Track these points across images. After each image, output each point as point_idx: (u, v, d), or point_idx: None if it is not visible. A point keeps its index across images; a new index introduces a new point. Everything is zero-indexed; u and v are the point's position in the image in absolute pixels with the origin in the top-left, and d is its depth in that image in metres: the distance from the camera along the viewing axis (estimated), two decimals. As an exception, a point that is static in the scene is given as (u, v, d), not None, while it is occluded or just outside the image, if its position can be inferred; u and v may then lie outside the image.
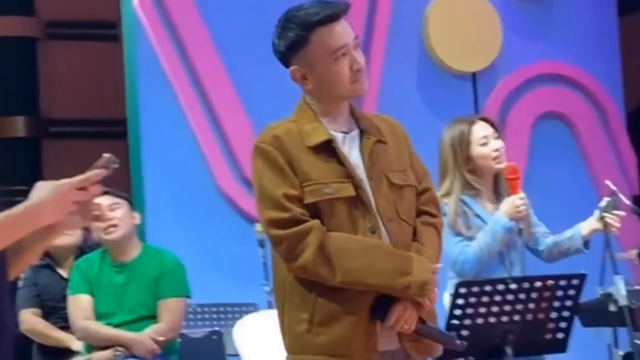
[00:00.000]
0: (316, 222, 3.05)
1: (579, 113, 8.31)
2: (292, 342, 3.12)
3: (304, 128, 3.13)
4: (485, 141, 4.33)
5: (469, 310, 3.79)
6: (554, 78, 8.26)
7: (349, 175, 3.09)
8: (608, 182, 4.55)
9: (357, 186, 3.09)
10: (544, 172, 7.96)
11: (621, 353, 4.41)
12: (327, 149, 3.11)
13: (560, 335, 3.91)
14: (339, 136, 3.15)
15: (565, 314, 3.87)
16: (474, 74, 8.06)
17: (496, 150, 4.33)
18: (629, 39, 8.64)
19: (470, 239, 4.24)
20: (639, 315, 4.52)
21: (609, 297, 4.35)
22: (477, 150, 4.34)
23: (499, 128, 4.43)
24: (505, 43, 8.08)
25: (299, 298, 3.09)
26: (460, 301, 3.77)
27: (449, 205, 4.26)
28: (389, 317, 3.04)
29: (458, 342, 3.17)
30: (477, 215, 4.29)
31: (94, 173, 2.42)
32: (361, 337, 3.05)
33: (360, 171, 3.12)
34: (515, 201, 4.22)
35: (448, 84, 7.98)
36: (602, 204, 4.37)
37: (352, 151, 3.15)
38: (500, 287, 3.80)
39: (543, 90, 8.21)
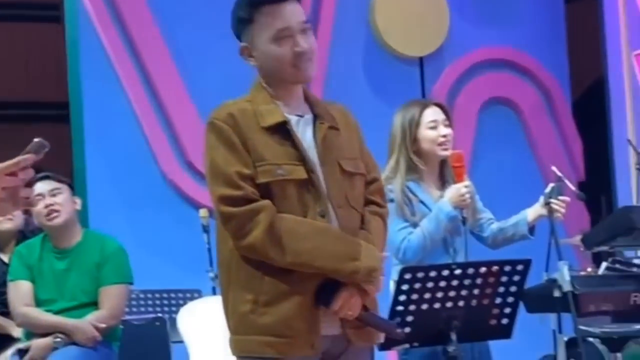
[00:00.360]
0: (267, 202, 3.04)
1: (525, 99, 8.33)
2: (236, 323, 3.11)
3: (259, 109, 3.12)
4: (434, 125, 4.32)
5: (414, 296, 3.78)
6: (501, 63, 8.27)
7: (302, 159, 3.09)
8: (554, 168, 4.55)
9: (309, 170, 3.08)
10: (491, 157, 7.98)
11: (565, 339, 4.42)
12: (282, 131, 3.10)
13: (504, 321, 3.91)
14: (293, 119, 3.15)
15: (510, 299, 3.88)
16: (421, 59, 8.05)
17: (443, 136, 4.31)
18: (575, 25, 8.66)
19: (414, 225, 4.22)
20: (583, 301, 4.53)
21: (553, 283, 4.35)
22: (424, 132, 4.33)
23: (451, 116, 4.41)
24: (452, 28, 8.07)
25: (244, 278, 3.07)
26: (404, 287, 3.76)
27: (394, 191, 4.24)
28: (334, 302, 3.03)
29: (399, 330, 3.16)
30: (422, 202, 4.28)
31: (23, 158, 2.35)
32: (305, 320, 3.04)
33: (313, 155, 3.12)
34: (460, 189, 4.21)
35: (395, 68, 7.96)
36: (548, 189, 4.37)
37: (305, 135, 3.14)
38: (445, 272, 3.79)
39: (490, 75, 8.22)
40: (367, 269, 3.05)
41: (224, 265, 3.14)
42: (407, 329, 3.78)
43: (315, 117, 3.17)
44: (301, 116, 3.17)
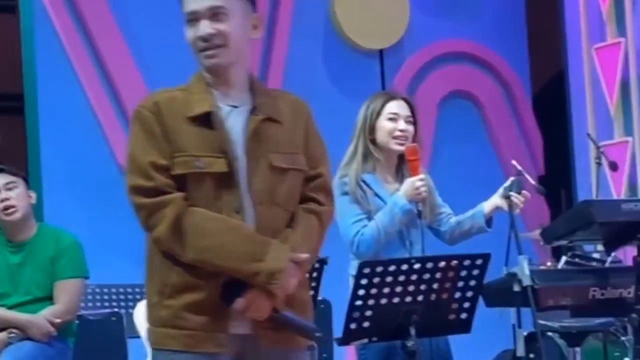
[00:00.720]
0: (177, 195, 2.97)
1: (486, 92, 8.34)
2: (148, 314, 3.07)
3: (191, 97, 3.05)
4: (394, 117, 4.30)
5: (373, 291, 3.76)
6: (462, 57, 8.27)
7: (225, 151, 3.00)
8: (514, 162, 4.54)
9: (231, 163, 2.99)
10: (451, 151, 7.97)
11: (525, 333, 4.40)
12: (208, 121, 3.02)
13: (464, 316, 3.90)
14: (225, 109, 3.06)
15: (469, 294, 3.86)
16: (381, 52, 8.02)
17: (401, 130, 4.28)
18: (536, 19, 8.67)
19: (369, 219, 4.19)
20: (542, 296, 4.51)
21: (513, 277, 4.32)
22: (382, 123, 4.31)
23: (416, 114, 4.37)
24: (412, 21, 8.05)
25: (157, 269, 3.02)
26: (363, 281, 3.73)
27: (349, 184, 4.22)
28: (236, 302, 2.96)
29: (318, 333, 3.06)
30: (377, 195, 4.25)
31: None
32: (209, 315, 2.97)
33: (239, 148, 3.02)
34: (415, 182, 4.19)
35: (355, 61, 7.93)
36: (507, 183, 4.36)
37: (236, 127, 3.05)
38: (404, 267, 3.77)
39: (450, 68, 8.21)
40: (269, 271, 2.94)
41: (146, 255, 3.09)
42: (367, 324, 3.75)
43: (254, 108, 3.08)
44: (235, 106, 3.07)
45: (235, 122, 3.05)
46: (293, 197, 3.09)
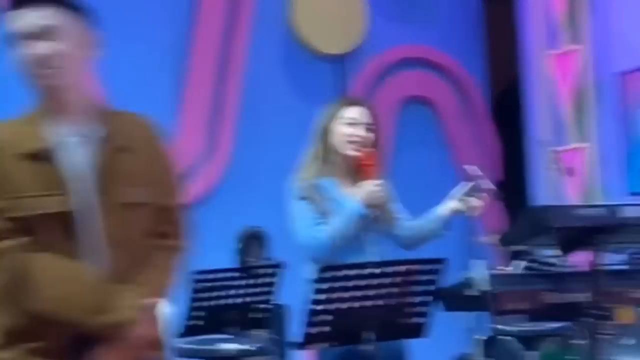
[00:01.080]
0: (14, 242, 2.71)
1: (443, 98, 8.37)
2: None
3: (24, 130, 2.77)
4: (351, 122, 4.29)
5: (331, 295, 3.74)
6: (420, 62, 8.30)
7: (66, 189, 2.72)
8: (471, 167, 4.54)
9: (77, 201, 2.72)
10: (409, 157, 7.99)
11: (482, 337, 4.42)
12: (46, 157, 2.74)
13: (420, 320, 3.90)
14: (67, 140, 2.77)
15: (426, 298, 3.86)
16: (339, 57, 8.03)
17: (357, 137, 4.27)
18: (494, 25, 8.72)
19: (325, 223, 4.18)
20: (499, 300, 4.53)
21: (470, 282, 4.34)
22: (338, 127, 4.30)
23: (377, 123, 4.36)
24: (371, 26, 8.07)
25: (5, 307, 2.77)
26: (322, 286, 3.72)
27: (305, 188, 4.20)
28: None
29: None
30: (334, 199, 4.23)
31: None
32: None
33: (84, 184, 2.74)
34: (372, 188, 4.18)
35: (314, 66, 7.93)
36: (464, 187, 4.36)
37: (80, 159, 2.76)
38: (362, 271, 3.76)
39: (408, 74, 8.24)
40: (117, 323, 2.71)
41: None
42: (327, 328, 3.74)
43: (103, 137, 2.80)
44: (80, 136, 2.78)
45: (79, 154, 2.77)
46: (148, 233, 2.85)
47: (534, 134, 8.17)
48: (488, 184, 4.57)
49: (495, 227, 7.16)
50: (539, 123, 8.11)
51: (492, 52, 8.68)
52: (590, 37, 7.85)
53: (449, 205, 4.34)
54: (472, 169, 4.47)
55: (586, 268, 4.11)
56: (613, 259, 4.68)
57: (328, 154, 4.28)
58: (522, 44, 8.30)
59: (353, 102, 4.38)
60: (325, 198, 4.21)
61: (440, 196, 4.64)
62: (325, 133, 4.30)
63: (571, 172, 6.79)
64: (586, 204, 6.86)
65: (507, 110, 8.60)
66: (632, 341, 4.93)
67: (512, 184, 8.19)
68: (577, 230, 4.15)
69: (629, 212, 3.97)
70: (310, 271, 4.05)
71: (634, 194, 7.02)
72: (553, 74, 7.94)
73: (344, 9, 7.98)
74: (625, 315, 4.36)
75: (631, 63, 7.51)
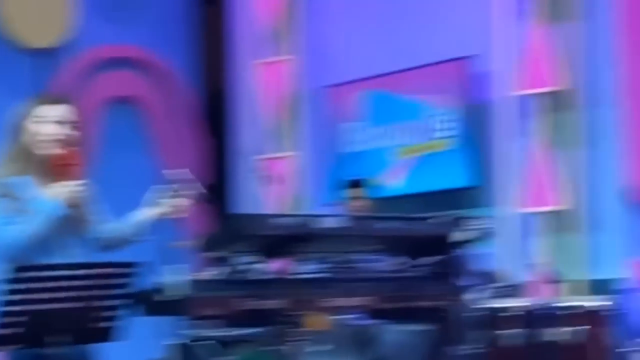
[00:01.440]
0: None
1: (153, 99, 8.34)
2: None
3: None
4: (43, 120, 4.19)
5: (25, 297, 3.67)
6: (128, 62, 8.23)
7: None
8: (179, 170, 4.54)
9: None
10: (115, 157, 7.90)
11: (177, 343, 4.42)
12: None
13: (110, 324, 3.89)
14: None
15: (115, 302, 3.85)
16: (41, 52, 7.82)
17: (62, 134, 4.18)
18: (211, 29, 8.75)
19: (19, 222, 4.08)
20: (197, 305, 4.54)
21: (166, 286, 4.33)
22: (30, 126, 4.20)
23: (79, 120, 4.28)
24: (81, 23, 7.92)
25: None
26: (21, 286, 3.66)
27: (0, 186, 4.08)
28: None
29: None
30: (28, 199, 4.13)
31: None
32: None
33: None
34: (71, 187, 4.12)
35: (18, 60, 7.71)
36: (166, 190, 4.36)
37: None
38: (54, 273, 3.71)
39: (116, 73, 8.15)
40: None
41: None
42: (22, 330, 3.68)
43: None
44: None
45: None
46: None
47: (237, 141, 8.28)
48: (197, 187, 4.58)
49: (197, 231, 7.19)
50: (242, 131, 8.22)
51: (208, 55, 8.71)
52: (302, 49, 8.04)
53: (148, 209, 4.33)
54: (181, 172, 4.48)
55: (281, 275, 4.19)
56: (312, 268, 4.80)
57: (23, 152, 4.17)
58: (231, 51, 8.39)
59: (47, 100, 4.29)
60: (20, 197, 4.11)
61: (144, 198, 4.61)
62: (18, 131, 4.19)
63: (275, 180, 6.92)
64: (284, 213, 7.01)
65: (218, 115, 8.66)
66: (326, 347, 5.08)
67: (218, 189, 8.26)
68: (273, 239, 4.24)
69: (324, 223, 4.10)
70: (2, 271, 3.93)
71: (327, 204, 7.15)
72: (259, 83, 8.07)
73: (53, 2, 7.79)
74: (317, 322, 4.47)
75: (341, 77, 7.75)
